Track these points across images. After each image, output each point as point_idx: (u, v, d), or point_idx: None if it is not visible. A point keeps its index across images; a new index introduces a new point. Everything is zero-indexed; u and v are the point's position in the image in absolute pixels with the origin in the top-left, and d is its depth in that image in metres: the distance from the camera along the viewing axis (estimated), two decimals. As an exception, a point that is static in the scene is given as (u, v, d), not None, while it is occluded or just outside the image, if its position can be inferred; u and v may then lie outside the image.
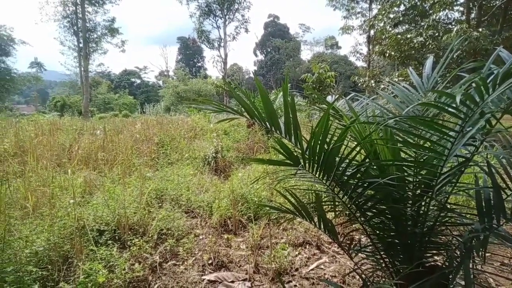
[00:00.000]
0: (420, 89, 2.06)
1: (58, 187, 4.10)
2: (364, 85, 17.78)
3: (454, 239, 1.82)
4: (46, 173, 4.55)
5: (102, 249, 2.77)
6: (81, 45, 29.70)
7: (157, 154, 7.02)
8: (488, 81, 1.22)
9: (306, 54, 66.28)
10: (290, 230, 3.63)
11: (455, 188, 1.72)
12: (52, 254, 2.66)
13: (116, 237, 3.22)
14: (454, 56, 12.02)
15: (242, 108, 1.78)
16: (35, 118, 15.93)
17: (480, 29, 11.74)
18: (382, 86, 14.61)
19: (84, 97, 27.00)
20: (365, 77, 18.08)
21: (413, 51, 14.23)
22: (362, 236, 3.17)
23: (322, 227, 1.95)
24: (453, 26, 13.85)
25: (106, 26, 31.50)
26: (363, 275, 1.94)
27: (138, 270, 2.64)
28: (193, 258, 3.09)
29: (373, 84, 16.87)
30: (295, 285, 2.69)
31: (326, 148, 1.55)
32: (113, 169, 5.56)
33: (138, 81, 60.05)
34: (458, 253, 1.66)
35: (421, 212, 1.64)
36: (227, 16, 38.04)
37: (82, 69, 28.77)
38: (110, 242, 2.99)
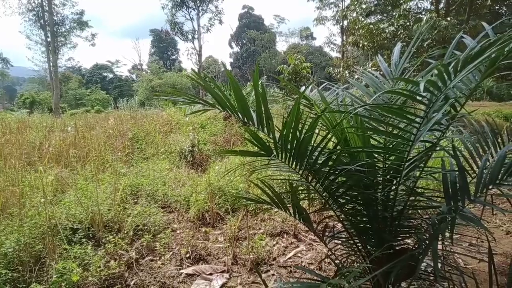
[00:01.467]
0: (389, 77, 2.10)
1: (28, 186, 3.96)
2: (338, 76, 17.97)
3: (423, 222, 1.88)
4: (15, 172, 4.38)
5: (76, 247, 2.71)
6: (49, 39, 28.53)
7: (132, 150, 6.88)
8: (450, 67, 1.26)
9: (281, 46, 66.24)
10: (268, 221, 3.66)
11: (423, 172, 1.77)
12: (23, 255, 2.58)
13: (90, 235, 3.16)
14: (425, 45, 12.30)
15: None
16: (2, 116, 15.24)
17: (449, 18, 12.04)
18: (356, 76, 14.81)
19: (54, 93, 25.92)
20: (339, 68, 18.27)
21: (385, 41, 14.43)
22: (337, 223, 3.24)
23: (297, 216, 1.97)
24: (423, 16, 14.16)
25: (74, 19, 30.48)
26: (337, 261, 1.98)
27: (113, 267, 2.60)
28: (171, 253, 3.07)
29: (347, 75, 17.06)
30: (273, 274, 2.73)
31: (298, 137, 1.56)
32: (85, 166, 5.41)
33: (111, 75, 58.26)
34: (427, 235, 1.72)
35: (391, 196, 1.69)
36: (200, 7, 37.37)
37: (51, 64, 27.65)
38: (84, 240, 2.93)
